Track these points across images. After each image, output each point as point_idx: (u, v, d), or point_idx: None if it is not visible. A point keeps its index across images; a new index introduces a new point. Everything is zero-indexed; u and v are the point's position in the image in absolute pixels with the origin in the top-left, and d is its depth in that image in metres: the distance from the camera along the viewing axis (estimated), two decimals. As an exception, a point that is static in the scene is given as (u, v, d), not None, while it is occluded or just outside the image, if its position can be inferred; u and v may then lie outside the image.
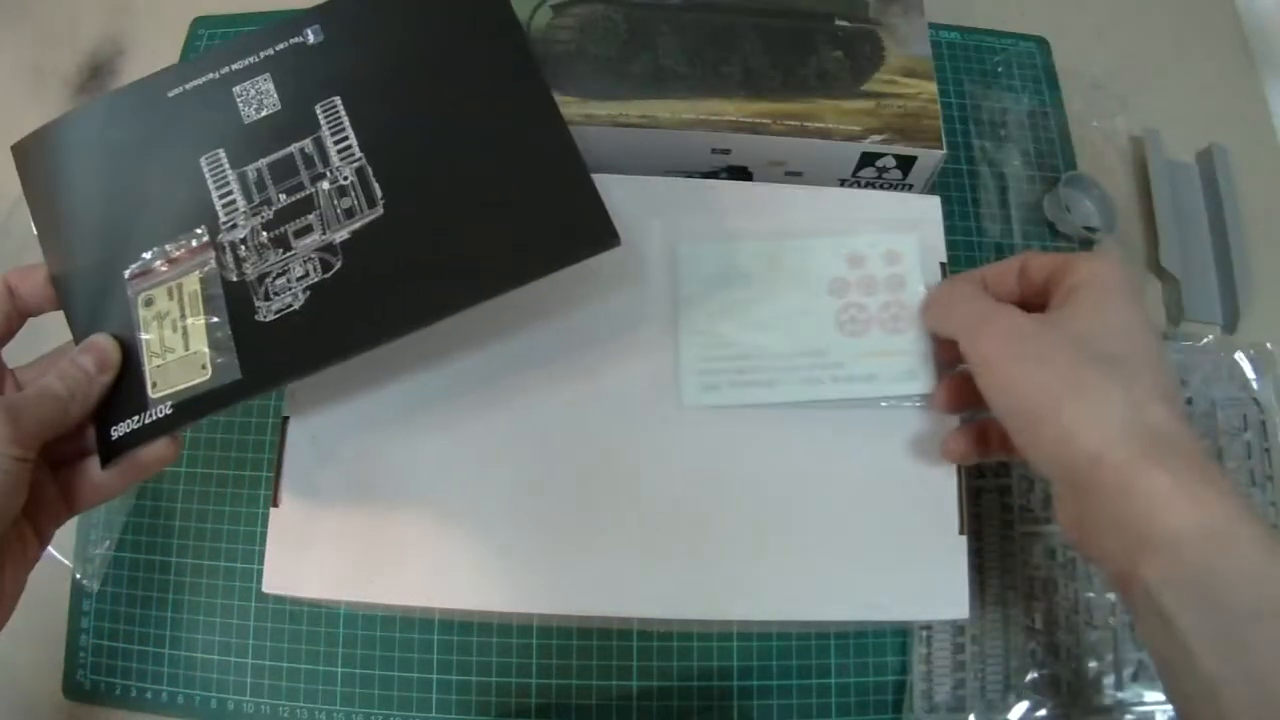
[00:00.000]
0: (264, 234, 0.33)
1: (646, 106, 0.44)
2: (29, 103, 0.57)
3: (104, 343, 0.32)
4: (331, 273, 0.32)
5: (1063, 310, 0.31)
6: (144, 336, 0.32)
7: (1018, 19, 0.60)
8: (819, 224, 0.39)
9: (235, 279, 0.32)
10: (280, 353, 0.32)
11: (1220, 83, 0.59)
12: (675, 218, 0.39)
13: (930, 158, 0.44)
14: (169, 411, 0.31)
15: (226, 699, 0.44)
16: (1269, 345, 0.48)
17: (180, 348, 0.32)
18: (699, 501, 0.35)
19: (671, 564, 0.34)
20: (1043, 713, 0.42)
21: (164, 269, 0.33)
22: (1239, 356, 0.48)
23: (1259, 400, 0.48)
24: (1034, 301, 0.34)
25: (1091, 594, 0.44)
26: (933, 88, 0.45)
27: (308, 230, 0.33)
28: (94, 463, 0.32)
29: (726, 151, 0.45)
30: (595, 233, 0.32)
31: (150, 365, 0.32)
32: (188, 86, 0.35)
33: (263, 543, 0.36)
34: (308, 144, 0.34)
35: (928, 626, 0.43)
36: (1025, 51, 0.58)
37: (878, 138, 0.44)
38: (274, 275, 0.32)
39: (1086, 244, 0.53)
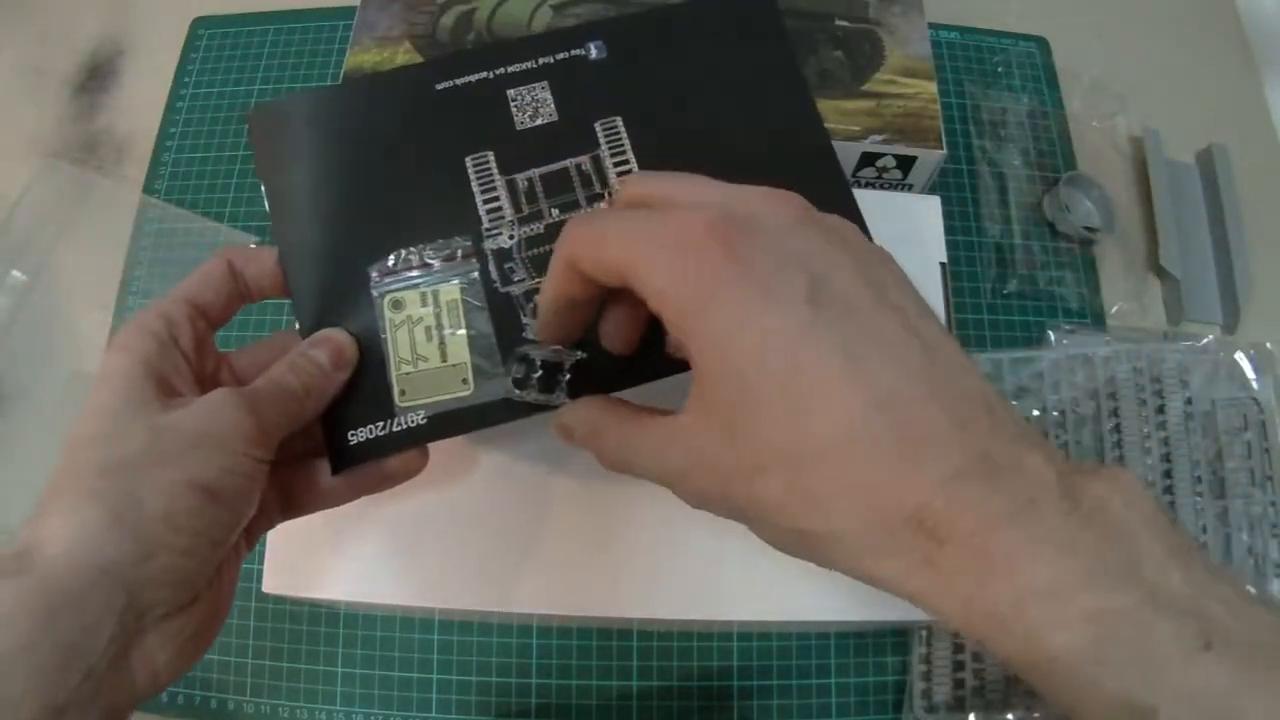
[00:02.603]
0: (534, 249, 0.31)
1: (646, 106, 0.44)
2: (29, 103, 0.57)
3: (340, 338, 0.29)
4: None
5: (706, 406, 0.23)
6: (390, 339, 0.30)
7: (1018, 19, 0.60)
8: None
9: (501, 292, 0.30)
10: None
11: (1220, 83, 0.59)
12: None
13: (930, 158, 0.44)
14: (422, 421, 0.29)
15: (226, 699, 0.43)
16: (1269, 345, 0.48)
17: (436, 358, 0.30)
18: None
19: (671, 564, 0.34)
20: (1042, 713, 0.42)
21: (416, 272, 0.31)
22: (1239, 356, 0.48)
23: (1259, 400, 0.48)
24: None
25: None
26: (933, 88, 0.45)
27: None
28: (319, 467, 0.29)
29: (726, 151, 0.45)
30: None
31: (397, 372, 0.30)
32: (458, 82, 0.32)
33: (263, 543, 0.36)
34: (585, 161, 0.32)
35: (928, 626, 0.43)
36: (1025, 51, 0.58)
37: (878, 138, 0.44)
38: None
39: (1086, 244, 0.53)
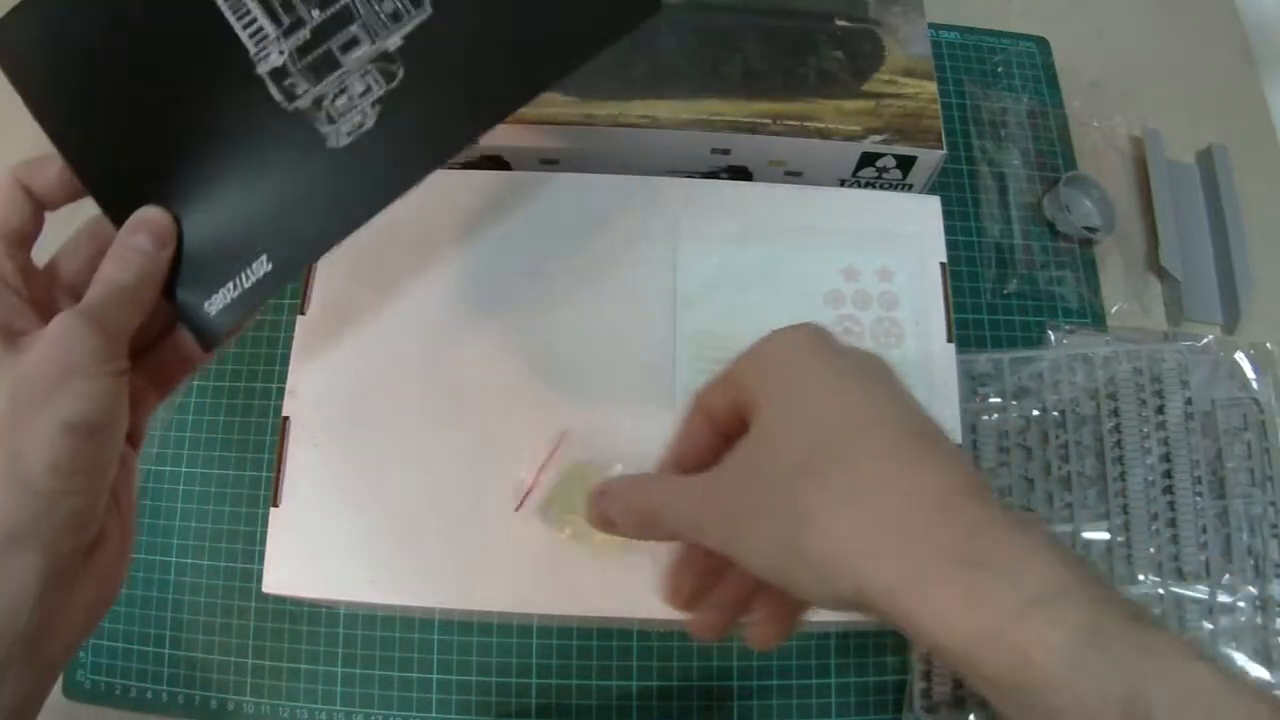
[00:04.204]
0: (307, 56, 0.29)
1: (646, 106, 0.44)
2: (29, 103, 0.57)
3: (156, 214, 0.29)
4: (396, 82, 0.29)
5: (755, 431, 0.25)
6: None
7: (1017, 19, 0.60)
8: (819, 224, 0.39)
9: (289, 109, 0.29)
10: (369, 175, 0.29)
11: (1220, 83, 0.59)
12: (675, 217, 0.39)
13: (930, 158, 0.44)
14: (269, 267, 0.29)
15: (226, 699, 0.43)
16: (1269, 345, 0.48)
17: None
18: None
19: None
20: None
21: None
22: (1239, 356, 0.48)
23: (1259, 400, 0.48)
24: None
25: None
26: (933, 88, 0.45)
27: (354, 43, 0.29)
28: (178, 339, 0.29)
29: (726, 151, 0.45)
30: (641, 3, 0.30)
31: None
32: None
33: (263, 543, 0.36)
34: None
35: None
36: (1025, 51, 0.58)
37: (878, 138, 0.44)
38: (331, 97, 0.29)
39: (1086, 244, 0.53)
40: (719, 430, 0.27)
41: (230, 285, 0.29)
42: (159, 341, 0.30)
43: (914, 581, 0.21)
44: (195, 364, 0.30)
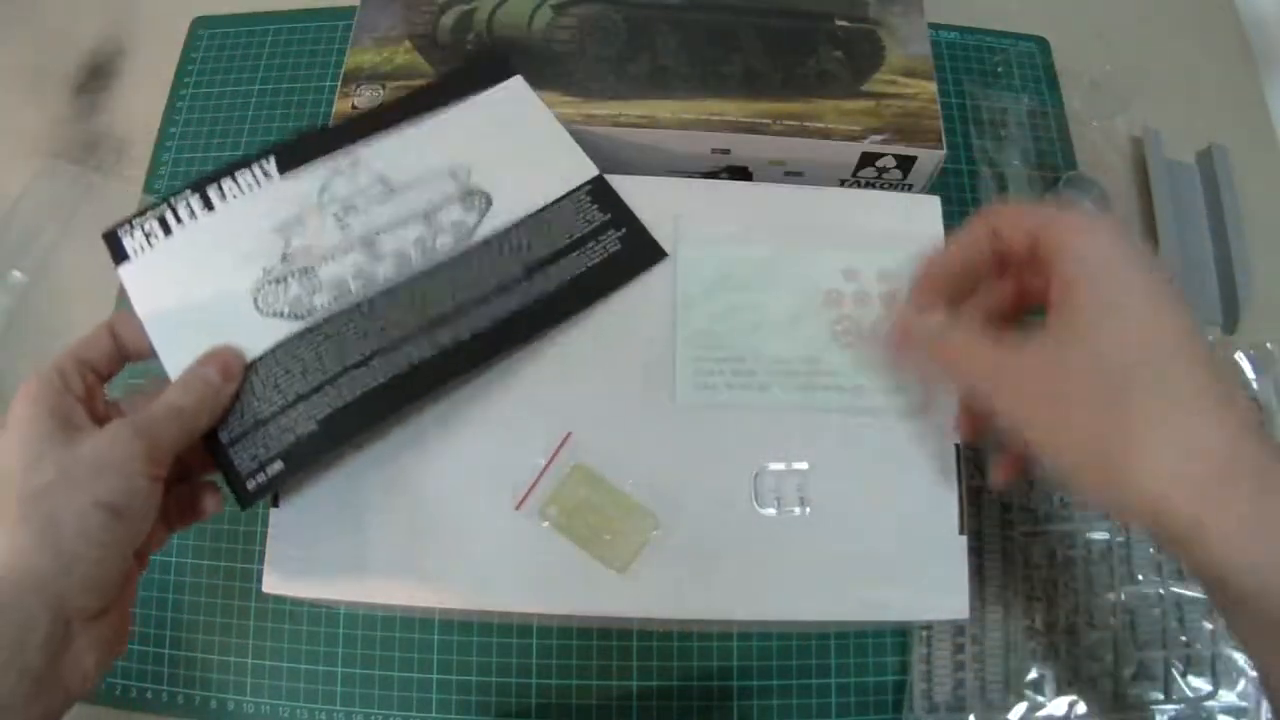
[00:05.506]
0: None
1: (646, 106, 0.44)
2: (29, 103, 0.57)
3: (227, 353, 0.33)
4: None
5: (1071, 323, 0.27)
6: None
7: (1018, 19, 0.60)
8: (819, 224, 0.39)
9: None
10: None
11: (1220, 83, 0.59)
12: (675, 217, 0.39)
13: (930, 158, 0.44)
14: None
15: (226, 699, 0.44)
16: (1269, 345, 0.48)
17: None
18: (695, 500, 0.35)
19: (670, 564, 0.34)
20: (1042, 713, 0.42)
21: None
22: (1239, 356, 0.48)
23: (1259, 400, 0.48)
24: (1022, 272, 0.31)
25: (1092, 595, 0.44)
26: (933, 88, 0.45)
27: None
28: (202, 489, 0.34)
29: (726, 151, 0.45)
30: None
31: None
32: None
33: (263, 543, 0.36)
34: None
35: (928, 626, 0.43)
36: (1025, 51, 0.58)
37: (878, 138, 0.44)
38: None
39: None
40: (997, 250, 0.31)
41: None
42: (189, 481, 0.34)
43: (1220, 518, 0.24)
44: (207, 515, 0.34)
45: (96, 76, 0.58)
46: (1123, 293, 0.27)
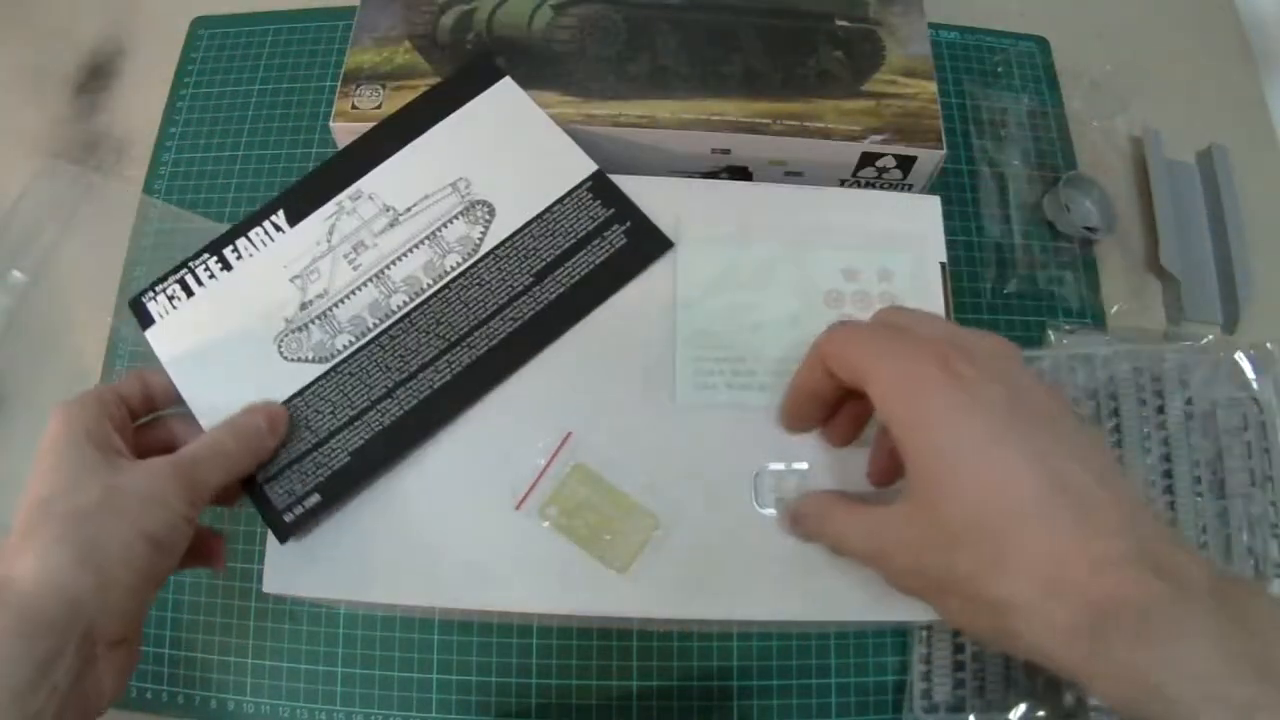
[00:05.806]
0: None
1: (646, 106, 0.44)
2: (29, 103, 0.57)
3: (276, 408, 0.35)
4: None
5: (912, 488, 0.27)
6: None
7: (1018, 19, 0.60)
8: (819, 224, 0.39)
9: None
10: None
11: (1220, 83, 0.59)
12: (675, 217, 0.39)
13: (930, 158, 0.44)
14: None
15: (226, 699, 0.44)
16: (1269, 345, 0.48)
17: None
18: (695, 500, 0.35)
19: (670, 564, 0.34)
20: (1043, 713, 0.42)
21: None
22: (1239, 356, 0.48)
23: (1259, 400, 0.48)
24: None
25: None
26: (933, 88, 0.45)
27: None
28: (212, 541, 0.35)
29: (726, 151, 0.45)
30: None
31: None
32: None
33: (263, 543, 0.36)
34: None
35: (928, 626, 0.43)
36: (1025, 51, 0.58)
37: (878, 138, 0.44)
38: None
39: (1086, 244, 0.53)
40: (831, 399, 0.32)
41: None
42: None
43: (1096, 668, 0.24)
44: (205, 567, 0.35)
45: (96, 76, 0.58)
46: (951, 453, 0.26)
